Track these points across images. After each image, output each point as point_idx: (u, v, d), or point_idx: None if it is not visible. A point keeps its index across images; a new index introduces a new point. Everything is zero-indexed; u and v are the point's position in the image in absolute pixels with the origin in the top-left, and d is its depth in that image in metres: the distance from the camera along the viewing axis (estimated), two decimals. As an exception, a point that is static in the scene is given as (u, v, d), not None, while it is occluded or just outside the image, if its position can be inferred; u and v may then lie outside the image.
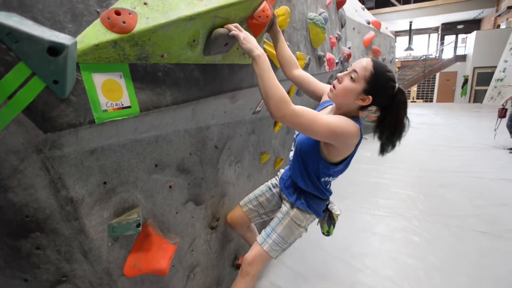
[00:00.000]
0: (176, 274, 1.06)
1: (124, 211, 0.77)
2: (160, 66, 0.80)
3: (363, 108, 1.03)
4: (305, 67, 2.05)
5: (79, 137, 0.61)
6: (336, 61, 3.06)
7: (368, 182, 3.36)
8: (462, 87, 13.62)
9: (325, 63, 2.63)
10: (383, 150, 1.06)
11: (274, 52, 1.30)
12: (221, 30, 0.92)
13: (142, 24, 0.69)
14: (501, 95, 9.96)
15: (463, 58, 13.59)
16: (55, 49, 0.50)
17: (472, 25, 14.87)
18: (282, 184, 1.33)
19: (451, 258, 2.00)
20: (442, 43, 15.76)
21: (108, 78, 0.66)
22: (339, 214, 1.33)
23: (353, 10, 4.74)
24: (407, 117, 1.00)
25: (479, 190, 2.99)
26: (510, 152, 4.12)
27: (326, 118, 0.92)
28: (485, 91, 11.46)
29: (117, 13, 0.65)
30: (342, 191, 3.15)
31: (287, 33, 1.71)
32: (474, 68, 12.76)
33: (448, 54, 15.10)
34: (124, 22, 0.65)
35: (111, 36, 0.63)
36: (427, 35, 16.92)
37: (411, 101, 15.18)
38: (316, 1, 2.56)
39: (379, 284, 1.80)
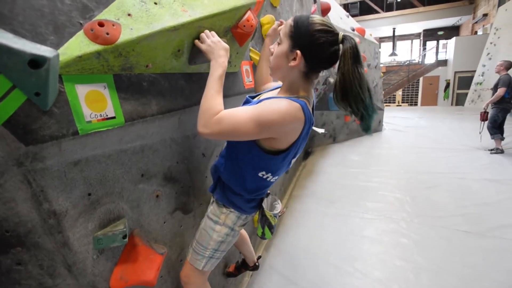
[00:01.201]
0: (164, 284, 1.04)
1: (109, 223, 0.76)
2: (145, 76, 0.81)
3: (307, 75, 0.86)
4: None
5: (62, 149, 0.60)
6: (322, 67, 3.12)
7: (356, 186, 3.41)
8: (445, 90, 14.08)
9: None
10: (363, 126, 0.87)
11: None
12: (206, 40, 0.93)
13: (126, 35, 0.69)
14: (481, 98, 10.34)
15: (444, 63, 14.09)
16: (36, 62, 0.50)
17: (452, 31, 15.49)
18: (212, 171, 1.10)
19: (438, 259, 2.04)
20: (424, 49, 16.32)
21: (92, 89, 0.66)
22: (274, 214, 1.10)
23: (338, 17, 4.87)
24: (357, 68, 0.79)
25: (462, 190, 3.08)
26: (491, 153, 4.27)
27: (247, 110, 0.78)
28: (466, 94, 11.88)
29: (101, 24, 0.65)
30: (331, 194, 3.19)
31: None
32: (455, 72, 13.24)
33: (430, 59, 15.64)
34: (107, 34, 0.65)
35: (94, 47, 0.64)
36: (410, 41, 17.50)
37: (397, 105, 15.56)
38: (301, 9, 2.63)
39: (369, 286, 1.82)
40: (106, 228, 0.75)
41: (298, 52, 0.81)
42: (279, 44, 0.86)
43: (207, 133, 0.79)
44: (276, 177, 0.98)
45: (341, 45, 0.80)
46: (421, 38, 16.75)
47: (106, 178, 0.75)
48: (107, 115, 0.68)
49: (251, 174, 0.93)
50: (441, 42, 15.79)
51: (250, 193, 0.99)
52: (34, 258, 0.65)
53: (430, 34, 16.28)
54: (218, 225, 1.02)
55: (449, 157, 4.26)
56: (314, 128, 0.86)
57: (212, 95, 0.83)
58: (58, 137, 0.58)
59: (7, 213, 0.58)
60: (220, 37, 0.94)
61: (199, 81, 1.04)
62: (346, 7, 15.19)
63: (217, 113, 0.79)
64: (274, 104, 0.78)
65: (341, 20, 4.90)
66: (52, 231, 0.63)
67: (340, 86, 0.80)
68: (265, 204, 1.10)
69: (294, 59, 0.82)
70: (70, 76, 0.61)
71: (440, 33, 15.87)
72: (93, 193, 0.71)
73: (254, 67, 1.46)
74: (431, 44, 16.34)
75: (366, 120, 0.83)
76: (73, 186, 0.66)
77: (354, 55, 0.78)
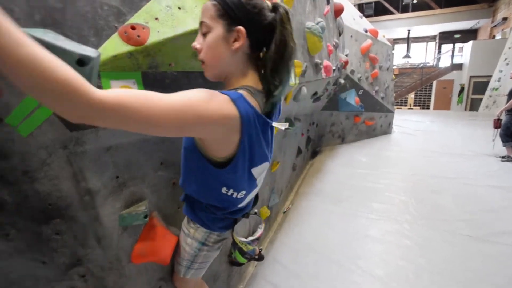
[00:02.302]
0: (176, 266, 1.14)
1: (133, 203, 0.86)
2: (168, 74, 0.89)
3: (251, 56, 0.73)
4: (302, 74, 2.15)
5: (98, 136, 0.70)
6: (333, 68, 3.17)
7: (363, 186, 3.45)
8: (459, 95, 13.82)
9: (322, 70, 2.74)
10: (268, 96, 0.72)
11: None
12: (223, 41, 1.02)
13: (153, 37, 0.78)
14: (496, 104, 10.13)
15: (459, 67, 13.81)
16: (82, 61, 0.59)
17: (469, 34, 15.14)
18: None
19: (439, 261, 2.08)
20: (439, 52, 16.01)
21: (123, 85, 0.75)
22: (247, 242, 0.95)
23: (351, 18, 4.88)
24: (292, 35, 0.71)
25: (468, 196, 3.08)
26: (502, 160, 4.23)
27: (169, 96, 0.57)
28: (481, 99, 11.65)
29: (133, 28, 0.74)
30: (337, 193, 3.24)
31: (285, 42, 1.81)
32: (470, 77, 12.97)
33: (445, 62, 15.35)
34: (138, 36, 0.74)
35: (127, 48, 0.73)
36: (425, 43, 17.20)
37: (408, 108, 15.35)
38: (314, 10, 2.68)
39: (370, 284, 1.88)
40: (130, 208, 0.84)
41: (240, 27, 0.67)
42: (206, 33, 0.70)
43: (77, 115, 0.47)
44: (243, 193, 0.81)
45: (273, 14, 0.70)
46: (437, 40, 16.43)
47: (131, 163, 0.84)
48: (135, 108, 0.77)
49: (213, 188, 0.79)
50: (457, 45, 15.46)
51: (218, 210, 0.86)
52: (70, 229, 0.75)
53: (446, 37, 15.96)
54: (189, 238, 0.92)
55: (457, 162, 4.24)
56: (275, 124, 0.75)
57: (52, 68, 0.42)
58: (96, 125, 0.67)
59: (51, 188, 0.68)
60: None
61: (215, 79, 1.12)
62: (360, 7, 15.04)
63: (81, 86, 0.45)
64: (203, 95, 0.61)
65: (354, 21, 4.91)
66: (86, 207, 0.73)
67: (277, 57, 0.68)
68: (243, 226, 0.95)
69: (236, 39, 0.68)
70: (106, 73, 0.70)
71: (457, 36, 15.54)
72: (121, 176, 0.81)
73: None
74: (446, 47, 16.02)
75: (282, 93, 0.73)
76: (104, 168, 0.75)
77: (290, 22, 0.70)
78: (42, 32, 0.57)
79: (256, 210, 1.00)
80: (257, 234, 0.99)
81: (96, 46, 0.68)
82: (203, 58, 0.73)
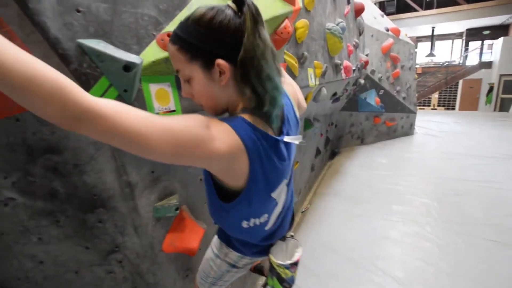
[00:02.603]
0: (201, 256, 1.21)
1: (165, 197, 0.93)
2: (198, 77, 0.96)
3: (246, 81, 0.60)
4: (322, 75, 2.18)
5: (138, 134, 0.77)
6: (353, 68, 3.15)
7: (382, 188, 3.40)
8: (487, 95, 13.14)
9: (342, 71, 2.74)
10: (261, 105, 0.62)
11: (295, 63, 1.44)
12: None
13: (187, 43, 0.85)
14: (529, 104, 9.55)
15: (488, 65, 13.13)
16: (128, 67, 0.67)
17: (499, 31, 14.33)
18: None
19: (461, 264, 2.03)
20: (466, 49, 15.30)
21: (160, 87, 0.82)
22: (285, 265, 0.85)
23: (372, 17, 4.80)
24: (260, 35, 0.58)
25: (495, 200, 2.97)
26: (533, 163, 4.02)
27: (168, 122, 0.52)
28: (512, 99, 11.02)
29: (169, 35, 0.81)
30: (355, 195, 3.22)
31: (305, 44, 1.85)
32: (501, 75, 12.30)
33: (472, 60, 14.64)
34: (174, 43, 0.81)
35: (164, 54, 0.80)
36: (450, 41, 16.48)
37: (432, 108, 14.79)
38: (334, 11, 2.68)
39: (388, 284, 1.87)
40: (163, 200, 0.92)
41: (219, 61, 0.58)
42: (189, 79, 0.61)
43: (68, 122, 0.43)
44: (266, 216, 0.74)
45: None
46: (464, 37, 15.70)
47: (164, 160, 0.92)
48: (169, 108, 0.84)
49: (232, 223, 0.74)
50: (486, 42, 14.70)
51: (251, 239, 0.81)
52: (111, 218, 0.83)
53: (474, 34, 15.19)
54: (219, 259, 0.91)
55: (484, 165, 4.06)
56: (286, 138, 0.65)
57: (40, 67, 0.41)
58: (137, 125, 0.75)
59: (97, 181, 0.76)
60: None
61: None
62: (382, 5, 14.66)
63: (73, 89, 0.42)
64: (198, 122, 0.54)
65: (375, 20, 4.83)
66: (126, 198, 0.81)
67: (240, 61, 0.58)
68: (280, 250, 0.88)
69: (221, 73, 0.59)
70: (146, 77, 0.78)
71: (486, 32, 14.77)
72: (156, 171, 0.88)
73: (288, 69, 1.58)
74: (474, 44, 15.27)
75: (276, 102, 0.62)
76: (142, 164, 0.83)
77: (254, 17, 0.57)
78: (96, 42, 0.65)
79: (292, 233, 0.93)
80: (295, 258, 0.88)
81: (138, 53, 0.76)
82: (199, 103, 0.66)
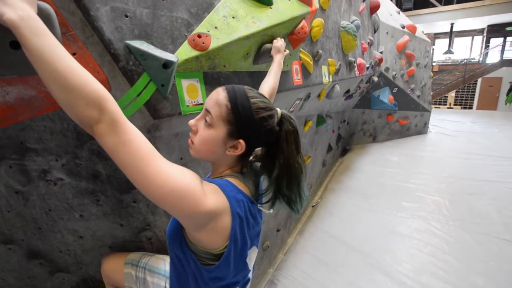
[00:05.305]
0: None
1: (191, 181, 1.03)
2: (223, 74, 1.05)
3: (244, 156, 0.71)
4: (336, 73, 2.23)
5: (171, 124, 0.87)
6: (367, 65, 3.17)
7: (393, 185, 3.43)
8: (508, 94, 12.71)
9: (356, 68, 2.77)
10: (290, 205, 0.72)
11: (310, 61, 1.51)
12: (268, 45, 1.15)
13: (214, 43, 0.94)
14: (551, 104, 9.20)
15: (510, 62, 12.67)
16: (167, 64, 0.76)
17: (523, 27, 13.76)
18: None
19: (470, 261, 2.07)
20: (487, 46, 14.77)
21: (190, 83, 0.92)
22: None
23: (388, 14, 4.76)
24: (299, 153, 0.70)
25: (509, 200, 2.95)
26: (552, 165, 3.93)
27: (171, 165, 0.56)
28: (534, 99, 10.62)
29: (199, 36, 0.90)
30: (365, 190, 3.27)
31: (320, 42, 1.91)
32: (523, 74, 11.87)
33: (493, 58, 14.14)
34: (203, 43, 0.90)
35: (195, 53, 0.89)
36: (470, 38, 15.94)
37: (448, 107, 14.42)
38: (349, 9, 2.71)
39: (395, 275, 1.94)
40: (189, 185, 1.02)
41: (242, 141, 0.65)
42: (209, 126, 0.66)
43: (94, 121, 0.49)
44: (237, 275, 0.72)
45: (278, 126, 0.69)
46: (485, 34, 15.15)
47: (191, 148, 1.02)
48: (198, 102, 0.94)
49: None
50: (509, 39, 14.14)
51: None
52: (144, 198, 0.94)
53: (496, 30, 14.63)
54: None
55: (500, 165, 4.01)
56: (260, 207, 0.74)
57: (81, 70, 0.48)
58: (170, 115, 0.85)
59: (135, 164, 0.87)
60: None
61: (259, 77, 1.26)
62: (399, 1, 14.32)
63: (110, 101, 0.50)
64: (197, 185, 0.57)
65: (390, 17, 4.79)
66: (159, 181, 0.91)
67: (286, 175, 0.68)
68: None
69: (234, 147, 0.66)
70: (179, 73, 0.87)
71: (509, 28, 14.21)
72: (184, 158, 0.98)
73: (303, 66, 1.65)
74: (496, 41, 14.72)
75: (301, 203, 0.73)
76: (173, 151, 0.93)
77: (296, 141, 0.70)
78: (140, 43, 0.74)
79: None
80: None
81: (173, 52, 0.85)
82: (193, 141, 0.69)
